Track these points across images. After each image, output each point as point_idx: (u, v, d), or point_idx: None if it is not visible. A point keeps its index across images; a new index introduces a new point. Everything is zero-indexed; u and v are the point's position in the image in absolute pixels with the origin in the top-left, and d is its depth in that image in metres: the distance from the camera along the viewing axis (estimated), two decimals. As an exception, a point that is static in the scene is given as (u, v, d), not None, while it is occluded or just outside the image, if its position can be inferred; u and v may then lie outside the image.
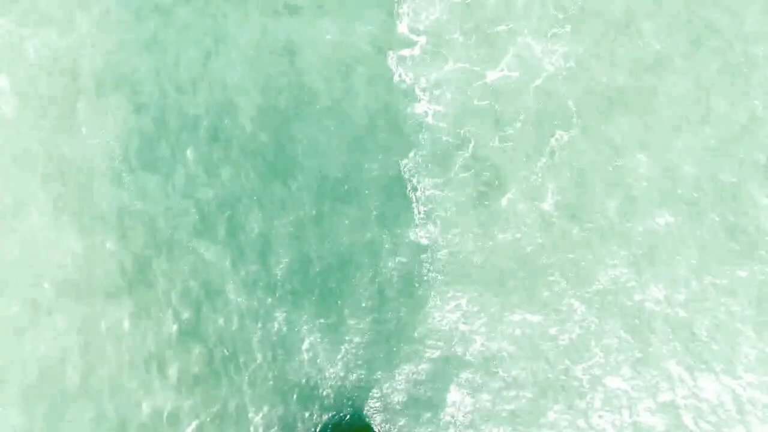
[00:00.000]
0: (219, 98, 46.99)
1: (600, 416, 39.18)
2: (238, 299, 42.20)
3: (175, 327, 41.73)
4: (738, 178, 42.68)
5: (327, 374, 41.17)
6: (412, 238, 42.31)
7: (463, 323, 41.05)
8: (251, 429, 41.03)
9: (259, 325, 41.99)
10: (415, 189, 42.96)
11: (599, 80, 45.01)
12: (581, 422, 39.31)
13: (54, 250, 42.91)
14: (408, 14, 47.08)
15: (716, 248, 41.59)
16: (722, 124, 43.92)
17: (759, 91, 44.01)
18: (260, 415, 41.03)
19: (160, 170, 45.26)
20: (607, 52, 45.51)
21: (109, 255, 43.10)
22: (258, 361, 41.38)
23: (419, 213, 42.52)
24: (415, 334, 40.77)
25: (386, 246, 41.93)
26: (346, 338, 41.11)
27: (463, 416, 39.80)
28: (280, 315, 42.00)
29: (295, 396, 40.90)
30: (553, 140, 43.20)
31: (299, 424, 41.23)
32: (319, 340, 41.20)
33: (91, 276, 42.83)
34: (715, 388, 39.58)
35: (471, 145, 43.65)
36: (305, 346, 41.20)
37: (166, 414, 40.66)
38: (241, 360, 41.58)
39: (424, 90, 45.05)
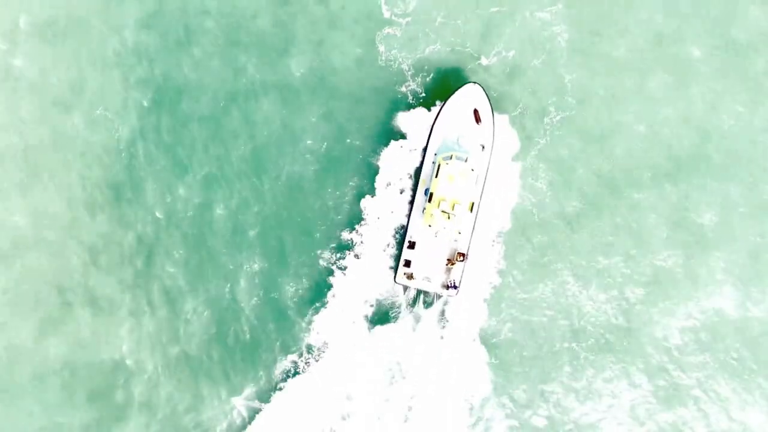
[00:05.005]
0: (205, 83, 47.43)
1: (597, 391, 39.44)
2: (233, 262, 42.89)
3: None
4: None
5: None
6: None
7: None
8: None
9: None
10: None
11: (600, 61, 44.36)
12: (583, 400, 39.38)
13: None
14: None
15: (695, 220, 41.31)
16: (718, 118, 43.28)
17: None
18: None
19: (136, 139, 46.07)
20: (605, 29, 44.77)
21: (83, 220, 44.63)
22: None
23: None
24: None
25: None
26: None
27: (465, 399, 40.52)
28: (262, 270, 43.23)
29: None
30: (546, 119, 42.75)
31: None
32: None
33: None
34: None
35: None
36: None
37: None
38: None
39: (410, 69, 44.77)
